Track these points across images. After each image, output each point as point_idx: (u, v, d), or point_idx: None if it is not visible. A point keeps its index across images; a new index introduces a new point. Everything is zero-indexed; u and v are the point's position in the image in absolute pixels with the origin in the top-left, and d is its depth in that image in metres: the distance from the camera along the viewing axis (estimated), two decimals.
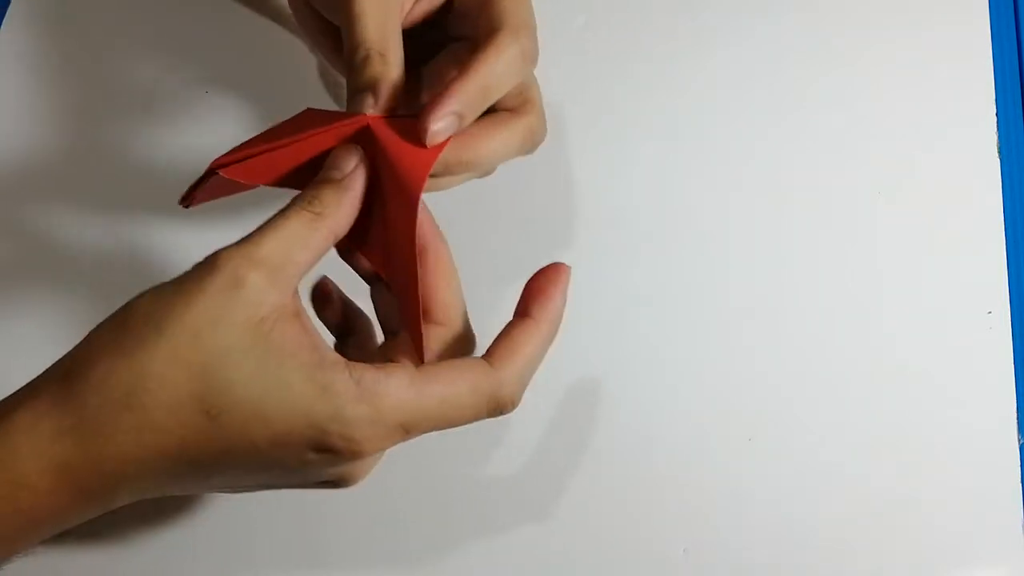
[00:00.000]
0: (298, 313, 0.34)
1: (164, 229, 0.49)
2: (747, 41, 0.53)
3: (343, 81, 0.40)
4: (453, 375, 0.35)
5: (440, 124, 0.36)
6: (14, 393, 0.34)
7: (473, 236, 0.47)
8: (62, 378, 0.33)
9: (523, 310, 0.37)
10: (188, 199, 0.39)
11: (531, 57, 0.39)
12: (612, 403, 0.46)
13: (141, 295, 0.34)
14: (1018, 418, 0.46)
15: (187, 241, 0.49)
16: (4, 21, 0.54)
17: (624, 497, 0.45)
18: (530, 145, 0.42)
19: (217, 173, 0.36)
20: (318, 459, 0.33)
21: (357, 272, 0.39)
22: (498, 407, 0.35)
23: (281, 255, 0.34)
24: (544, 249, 0.49)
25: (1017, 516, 0.44)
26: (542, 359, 0.37)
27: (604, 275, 0.49)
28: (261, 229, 0.34)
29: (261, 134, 0.38)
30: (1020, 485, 0.45)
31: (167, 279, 0.35)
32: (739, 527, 0.44)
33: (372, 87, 0.38)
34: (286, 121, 0.39)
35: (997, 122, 0.51)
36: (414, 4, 0.41)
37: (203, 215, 0.49)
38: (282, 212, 0.35)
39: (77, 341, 0.35)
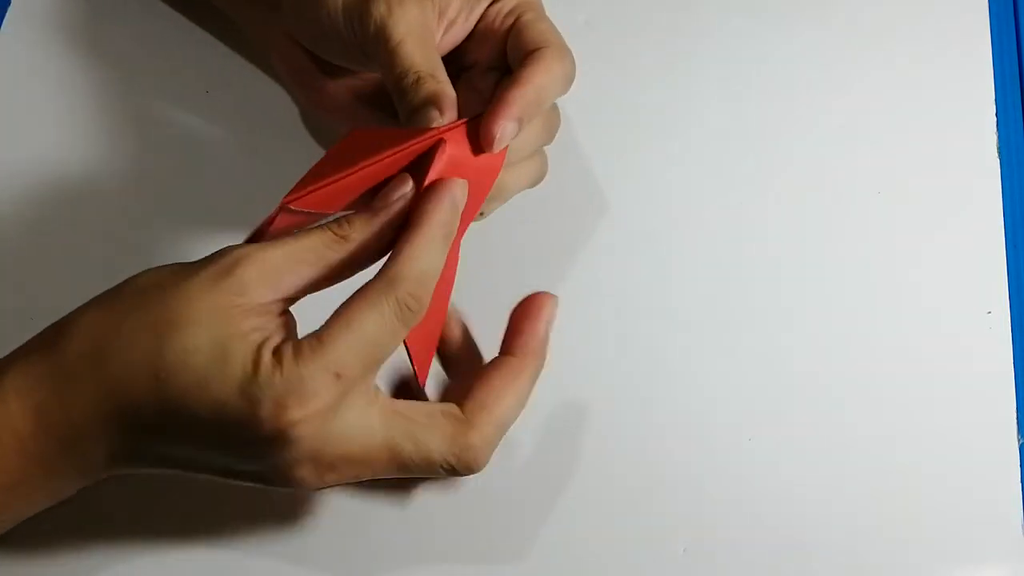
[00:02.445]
0: (268, 312, 0.35)
1: (163, 230, 0.49)
2: (747, 41, 0.53)
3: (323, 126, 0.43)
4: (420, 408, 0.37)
5: (506, 129, 0.38)
6: (19, 347, 0.37)
7: (473, 237, 0.46)
8: (54, 330, 0.36)
9: (506, 347, 0.39)
10: (255, 238, 0.38)
11: (572, 76, 0.42)
12: (612, 402, 0.46)
13: (146, 270, 0.37)
14: (1018, 418, 0.46)
15: (187, 242, 0.49)
16: (4, 22, 0.54)
17: (624, 497, 0.45)
18: (548, 135, 0.44)
19: (289, 209, 0.36)
20: (256, 437, 0.34)
21: None
22: (462, 465, 0.38)
23: (285, 260, 0.35)
24: (544, 249, 0.49)
25: (1017, 516, 0.44)
26: (524, 402, 0.38)
27: (604, 274, 0.49)
28: (282, 238, 0.36)
29: (317, 164, 0.38)
30: (1020, 485, 0.45)
31: None
32: (739, 527, 0.44)
33: (434, 101, 0.39)
34: (338, 146, 0.39)
35: (997, 122, 0.51)
36: (442, 37, 0.43)
37: (204, 217, 0.49)
38: (308, 228, 0.36)
39: None
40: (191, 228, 0.49)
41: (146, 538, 0.44)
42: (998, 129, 0.51)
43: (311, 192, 0.37)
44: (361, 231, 0.36)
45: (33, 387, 0.35)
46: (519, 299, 0.47)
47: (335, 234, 0.36)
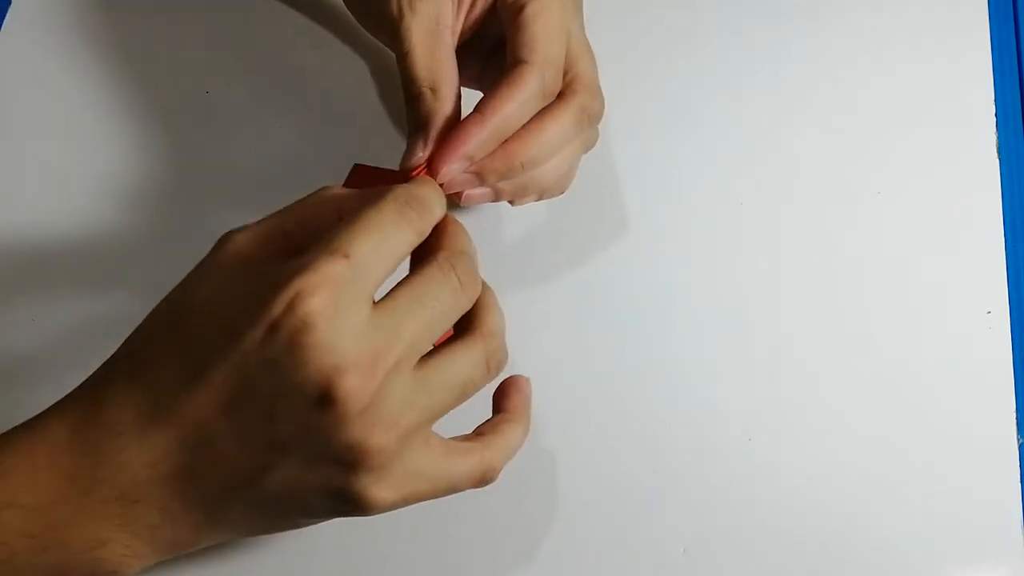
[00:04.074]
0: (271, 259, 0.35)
1: (163, 230, 0.49)
2: (747, 41, 0.53)
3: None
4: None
5: (453, 167, 0.40)
6: None
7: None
8: None
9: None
10: None
11: (550, 92, 0.41)
12: (613, 402, 0.46)
13: None
14: (1018, 418, 0.46)
15: (187, 242, 0.49)
16: (4, 22, 0.54)
17: (624, 497, 0.45)
18: (586, 124, 0.43)
19: None
20: (267, 322, 0.32)
21: None
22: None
23: (276, 221, 0.36)
24: (545, 248, 0.49)
25: (1017, 516, 0.44)
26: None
27: (603, 275, 0.49)
28: None
29: None
30: (1020, 485, 0.45)
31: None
32: (739, 527, 0.44)
33: (423, 127, 0.40)
34: (347, 182, 0.40)
35: (997, 122, 0.51)
36: (464, 18, 0.43)
37: (204, 217, 0.49)
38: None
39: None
40: (191, 228, 0.49)
41: None
42: (998, 129, 0.51)
43: None
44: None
45: (74, 405, 0.35)
46: (518, 297, 0.47)
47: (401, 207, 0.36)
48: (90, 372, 0.36)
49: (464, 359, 0.36)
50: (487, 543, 0.44)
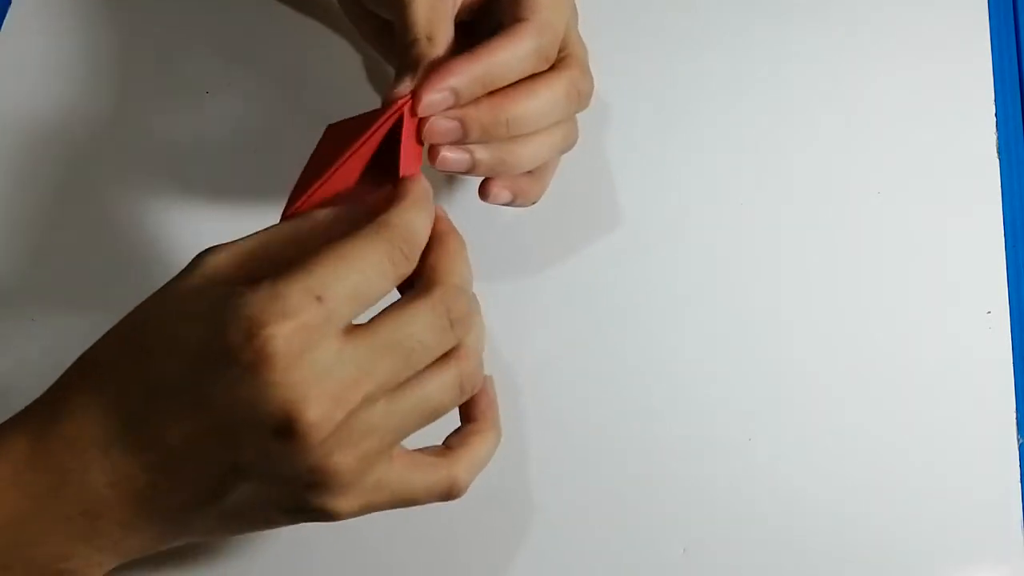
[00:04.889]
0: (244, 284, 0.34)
1: (163, 230, 0.49)
2: (747, 41, 0.53)
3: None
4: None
5: (435, 96, 0.38)
6: None
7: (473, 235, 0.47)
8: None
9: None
10: None
11: (547, 57, 0.40)
12: (613, 402, 0.46)
13: None
14: (1018, 418, 0.46)
15: (187, 242, 0.49)
16: (4, 22, 0.54)
17: (624, 497, 0.45)
18: (575, 101, 0.42)
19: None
20: (228, 361, 0.32)
21: None
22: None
23: (256, 244, 0.35)
24: (544, 248, 0.49)
25: (1017, 516, 0.44)
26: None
27: (603, 274, 0.49)
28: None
29: (305, 169, 0.39)
30: (1020, 485, 0.45)
31: (160, 278, 0.36)
32: (739, 527, 0.44)
33: (413, 67, 0.39)
34: (318, 146, 0.39)
35: (997, 122, 0.51)
36: None
37: (204, 217, 0.50)
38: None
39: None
40: (190, 228, 0.49)
41: None
42: (998, 129, 0.51)
43: (306, 198, 0.37)
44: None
45: (31, 420, 0.35)
46: (517, 296, 0.47)
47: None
48: None
49: (437, 383, 0.35)
50: (486, 542, 0.44)
